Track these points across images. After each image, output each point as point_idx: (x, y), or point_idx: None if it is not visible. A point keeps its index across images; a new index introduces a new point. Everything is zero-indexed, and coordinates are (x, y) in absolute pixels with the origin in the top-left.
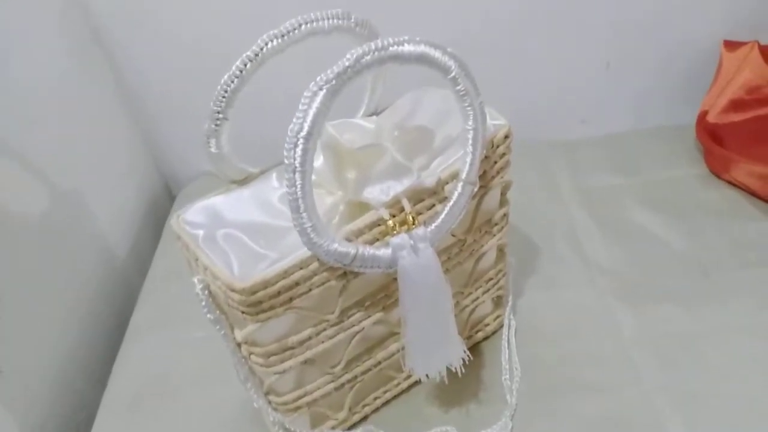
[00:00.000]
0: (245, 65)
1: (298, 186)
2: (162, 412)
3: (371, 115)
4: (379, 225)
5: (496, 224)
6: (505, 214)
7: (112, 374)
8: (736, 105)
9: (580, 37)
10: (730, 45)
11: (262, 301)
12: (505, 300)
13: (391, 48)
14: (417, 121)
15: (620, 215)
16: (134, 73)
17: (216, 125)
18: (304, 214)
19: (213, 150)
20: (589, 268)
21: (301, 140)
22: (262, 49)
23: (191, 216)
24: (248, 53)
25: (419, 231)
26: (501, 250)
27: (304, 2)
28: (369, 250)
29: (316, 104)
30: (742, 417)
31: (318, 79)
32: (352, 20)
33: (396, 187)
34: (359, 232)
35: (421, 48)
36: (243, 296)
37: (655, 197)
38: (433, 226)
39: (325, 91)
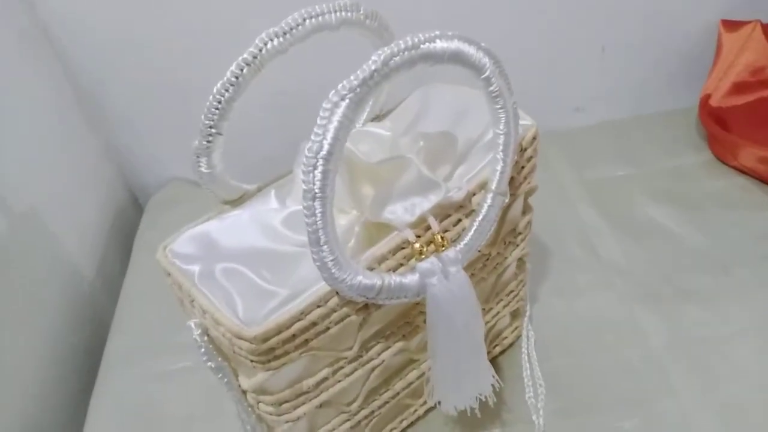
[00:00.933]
0: (242, 70)
1: (318, 215)
2: None
3: (376, 117)
4: (403, 248)
5: (519, 233)
6: (528, 222)
7: (89, 415)
8: (739, 87)
9: (573, 20)
10: (729, 25)
11: (275, 347)
12: (523, 310)
13: (422, 46)
14: (429, 122)
15: (629, 209)
16: (88, 74)
17: (208, 141)
18: (325, 247)
19: (204, 170)
20: (604, 270)
21: (321, 161)
22: (261, 50)
23: (181, 247)
24: (245, 56)
25: (449, 253)
26: (521, 260)
27: None
28: (395, 279)
29: (337, 117)
30: None
31: (339, 87)
32: (362, 12)
33: (422, 205)
34: (382, 258)
35: (455, 44)
36: (254, 344)
37: (663, 188)
38: (461, 244)
39: (348, 101)
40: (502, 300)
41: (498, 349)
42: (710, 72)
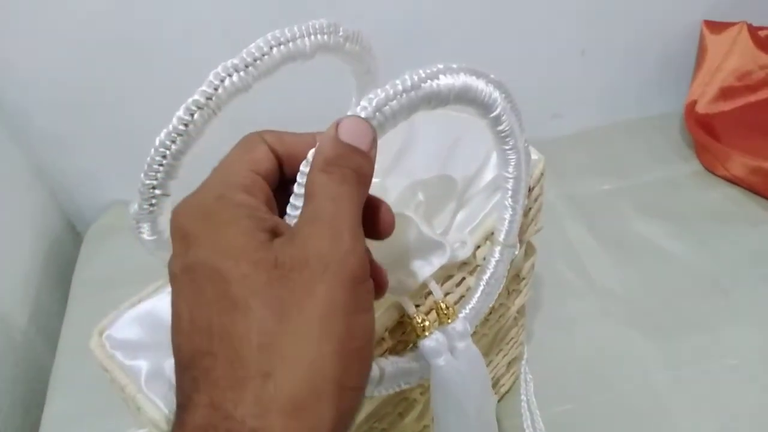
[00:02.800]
0: (192, 116)
1: None
2: None
3: None
4: (401, 322)
5: (523, 279)
6: (532, 265)
7: None
8: (726, 93)
9: (551, 22)
10: (713, 26)
11: None
12: (521, 354)
13: (424, 86)
14: (418, 156)
15: (620, 228)
16: (14, 88)
17: (151, 205)
18: None
19: (146, 237)
20: (599, 296)
21: None
22: (216, 89)
23: (122, 332)
24: (196, 97)
25: (457, 325)
26: (522, 305)
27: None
28: (396, 365)
29: None
30: None
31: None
32: (341, 34)
33: (424, 270)
34: (378, 341)
35: (462, 79)
36: None
37: (652, 203)
38: (468, 308)
39: None
40: (501, 350)
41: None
42: (694, 76)
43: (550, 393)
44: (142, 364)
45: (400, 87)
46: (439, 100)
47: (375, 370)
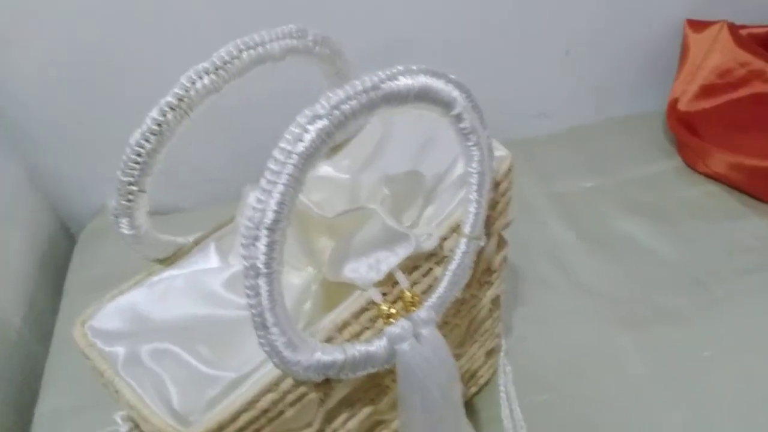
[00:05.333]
0: (164, 116)
1: (264, 295)
2: None
3: (335, 147)
4: (368, 309)
5: (494, 272)
6: (504, 258)
7: None
8: (707, 90)
9: (536, 22)
10: (695, 25)
11: None
12: (498, 346)
13: (383, 86)
14: (392, 155)
15: (600, 224)
16: (4, 90)
17: (128, 200)
18: (274, 330)
19: (126, 231)
20: (578, 291)
21: (266, 232)
22: (188, 91)
23: (103, 322)
24: (168, 99)
25: (421, 313)
26: (497, 297)
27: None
28: (359, 350)
29: (283, 181)
30: None
31: (282, 143)
32: (310, 38)
33: (389, 260)
34: (344, 325)
35: (421, 80)
36: None
37: (634, 199)
38: (434, 297)
39: (295, 159)
40: (477, 341)
41: (473, 389)
42: (677, 75)
43: (529, 384)
44: (120, 351)
45: (359, 87)
46: (399, 99)
47: (339, 354)
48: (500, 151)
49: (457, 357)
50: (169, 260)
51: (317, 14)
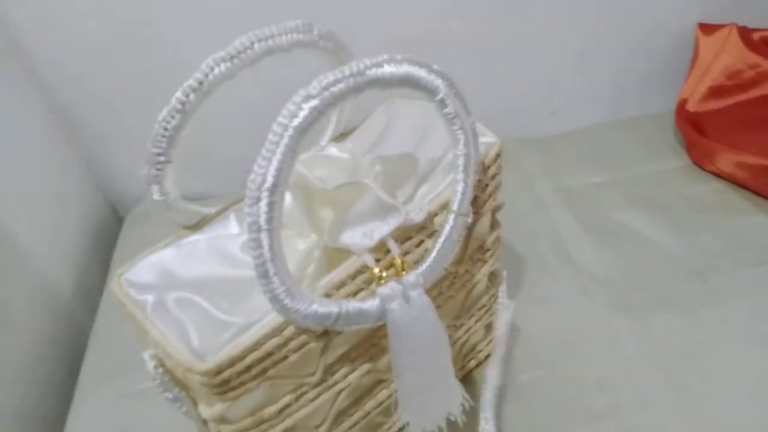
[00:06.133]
0: (187, 96)
1: (266, 247)
2: None
3: (341, 135)
4: (362, 273)
5: (488, 250)
6: (497, 238)
7: None
8: (716, 92)
9: (549, 24)
10: (706, 28)
11: (230, 379)
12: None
13: (368, 72)
14: (393, 142)
15: (605, 216)
16: (63, 85)
17: (157, 170)
18: (275, 279)
19: (156, 197)
20: (580, 279)
21: (266, 193)
22: (207, 75)
23: (136, 276)
24: (190, 82)
25: (410, 277)
26: (493, 274)
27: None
28: (354, 306)
29: (281, 149)
30: None
31: (279, 118)
32: (315, 33)
33: (381, 229)
34: (341, 284)
35: (404, 68)
36: (206, 378)
37: (640, 194)
38: (424, 266)
39: (291, 131)
40: (473, 315)
41: (473, 363)
42: (687, 76)
43: (526, 360)
44: (149, 299)
45: (347, 71)
46: (383, 84)
47: (334, 308)
48: (489, 138)
49: (455, 327)
50: (194, 227)
51: (335, 10)
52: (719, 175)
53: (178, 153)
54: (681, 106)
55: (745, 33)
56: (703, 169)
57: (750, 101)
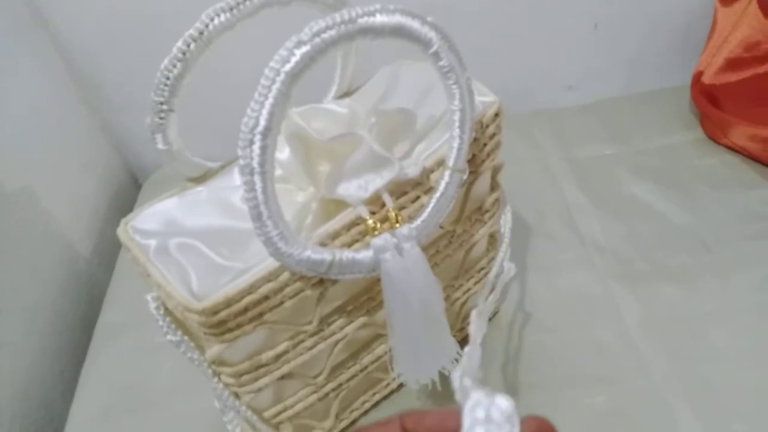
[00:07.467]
0: (188, 46)
1: (259, 190)
2: (135, 426)
3: (344, 95)
4: (357, 224)
5: (487, 211)
6: (496, 200)
7: (80, 384)
8: (733, 64)
9: None
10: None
11: (227, 320)
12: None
13: (360, 20)
14: (395, 100)
15: (614, 187)
16: (84, 54)
17: (161, 118)
18: (268, 222)
19: (161, 146)
20: (585, 247)
21: (259, 136)
22: (207, 26)
23: (141, 223)
24: (191, 31)
25: (403, 229)
26: (493, 237)
27: None
28: (347, 255)
29: (273, 93)
30: (753, 406)
31: (272, 63)
32: None
33: (375, 182)
34: (335, 235)
35: (396, 18)
36: (203, 317)
37: (650, 167)
38: (418, 221)
39: (283, 76)
40: (473, 276)
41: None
42: (704, 48)
43: (527, 324)
44: (152, 243)
45: (338, 19)
46: (374, 33)
47: (327, 255)
48: (488, 97)
49: (453, 288)
50: (199, 179)
51: None
52: (732, 148)
53: (179, 102)
54: (696, 78)
55: (764, 4)
56: (717, 143)
57: (767, 74)
